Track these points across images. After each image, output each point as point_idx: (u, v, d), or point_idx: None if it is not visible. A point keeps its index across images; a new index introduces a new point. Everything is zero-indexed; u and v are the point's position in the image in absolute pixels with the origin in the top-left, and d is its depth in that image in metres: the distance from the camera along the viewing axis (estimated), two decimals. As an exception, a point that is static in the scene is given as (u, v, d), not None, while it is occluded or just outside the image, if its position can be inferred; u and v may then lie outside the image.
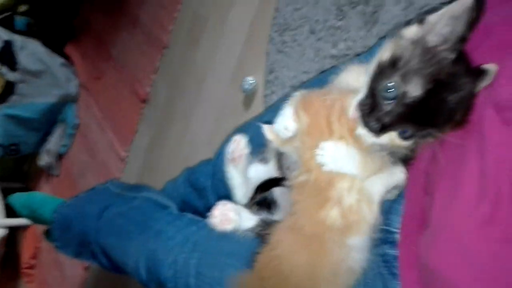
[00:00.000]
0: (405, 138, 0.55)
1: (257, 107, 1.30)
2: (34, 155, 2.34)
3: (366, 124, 0.55)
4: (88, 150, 2.13)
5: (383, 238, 0.62)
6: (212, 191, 1.00)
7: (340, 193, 0.59)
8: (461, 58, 0.52)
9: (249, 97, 1.33)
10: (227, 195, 0.94)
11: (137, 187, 1.29)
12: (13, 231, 2.19)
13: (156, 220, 1.02)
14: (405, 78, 0.51)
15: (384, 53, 0.56)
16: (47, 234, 1.29)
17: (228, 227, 0.70)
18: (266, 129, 0.69)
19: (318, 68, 1.17)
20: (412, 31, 0.55)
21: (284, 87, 1.24)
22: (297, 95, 0.66)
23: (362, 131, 0.56)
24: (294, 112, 0.63)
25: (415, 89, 0.51)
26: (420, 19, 0.54)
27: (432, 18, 0.53)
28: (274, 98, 1.25)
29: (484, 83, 0.51)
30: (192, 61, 1.60)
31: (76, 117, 2.22)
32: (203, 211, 1.04)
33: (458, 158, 0.52)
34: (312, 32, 1.18)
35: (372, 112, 0.54)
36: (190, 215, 1.00)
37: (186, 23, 1.68)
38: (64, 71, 2.21)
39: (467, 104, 0.52)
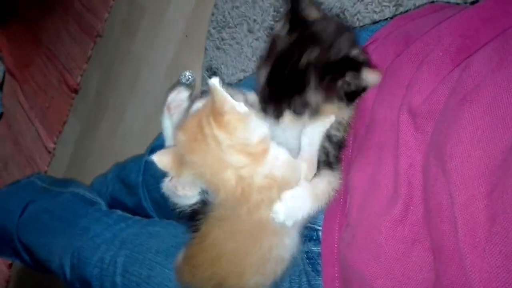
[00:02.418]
0: (299, 114, 0.59)
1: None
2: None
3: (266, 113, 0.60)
4: (12, 141, 2.00)
5: (308, 235, 0.64)
6: (143, 188, 0.98)
7: (267, 194, 0.56)
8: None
9: (185, 92, 1.31)
10: (157, 190, 0.93)
11: (64, 182, 1.24)
12: None
13: (83, 217, 0.98)
14: (261, 68, 0.60)
15: None
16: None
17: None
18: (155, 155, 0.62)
19: (255, 67, 1.18)
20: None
21: (222, 85, 1.24)
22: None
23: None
24: (174, 150, 0.59)
25: (263, 74, 0.59)
26: None
27: None
28: (211, 94, 1.24)
29: None
30: (127, 52, 1.55)
31: (0, 105, 2.07)
32: (133, 208, 1.02)
33: (376, 159, 0.55)
34: (250, 31, 1.19)
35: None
36: (119, 212, 0.97)
37: (122, 12, 1.62)
38: (-12, 57, 2.06)
39: (319, 71, 0.56)
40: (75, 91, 1.74)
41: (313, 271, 0.62)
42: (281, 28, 0.60)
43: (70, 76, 1.77)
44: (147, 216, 0.98)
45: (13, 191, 1.21)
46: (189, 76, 1.28)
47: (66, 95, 1.77)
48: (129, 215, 0.95)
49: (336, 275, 0.58)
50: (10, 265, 1.76)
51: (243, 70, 1.20)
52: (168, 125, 0.72)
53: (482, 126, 0.42)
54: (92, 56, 1.71)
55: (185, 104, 0.71)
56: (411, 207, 0.48)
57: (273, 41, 0.60)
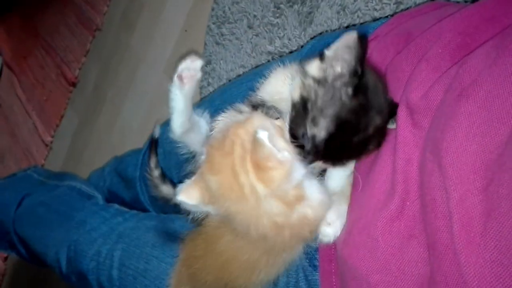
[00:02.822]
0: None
1: (193, 98, 1.28)
2: None
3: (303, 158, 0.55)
4: (9, 134, 1.99)
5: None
6: (140, 182, 0.98)
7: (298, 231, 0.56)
8: (363, 92, 0.53)
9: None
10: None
11: (61, 175, 1.24)
12: None
13: (79, 210, 0.98)
14: (313, 121, 0.53)
15: (295, 93, 0.56)
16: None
17: None
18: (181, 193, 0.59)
19: (254, 63, 1.18)
20: (314, 68, 0.55)
21: (221, 80, 1.24)
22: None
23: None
24: (198, 179, 0.56)
25: (321, 132, 0.53)
26: (321, 54, 0.55)
27: (329, 52, 0.54)
28: (210, 90, 1.24)
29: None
30: (125, 46, 1.55)
31: (-3, 97, 2.07)
32: (130, 202, 1.02)
33: (374, 155, 0.55)
34: (250, 27, 1.19)
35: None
36: (116, 206, 0.97)
37: (121, 6, 1.62)
38: (-15, 48, 2.06)
39: (378, 137, 0.54)
40: (73, 85, 1.74)
41: (310, 266, 0.62)
42: (343, 87, 0.53)
43: (68, 70, 1.77)
44: (144, 210, 0.98)
45: (9, 184, 1.21)
46: (188, 71, 1.28)
47: (64, 88, 1.77)
48: (126, 209, 0.95)
49: (333, 270, 0.58)
50: (5, 258, 1.76)
51: (242, 66, 1.20)
52: (177, 96, 0.67)
53: (478, 121, 0.42)
54: (91, 49, 1.71)
55: (198, 74, 0.66)
56: (408, 203, 0.48)
57: (332, 96, 0.53)
